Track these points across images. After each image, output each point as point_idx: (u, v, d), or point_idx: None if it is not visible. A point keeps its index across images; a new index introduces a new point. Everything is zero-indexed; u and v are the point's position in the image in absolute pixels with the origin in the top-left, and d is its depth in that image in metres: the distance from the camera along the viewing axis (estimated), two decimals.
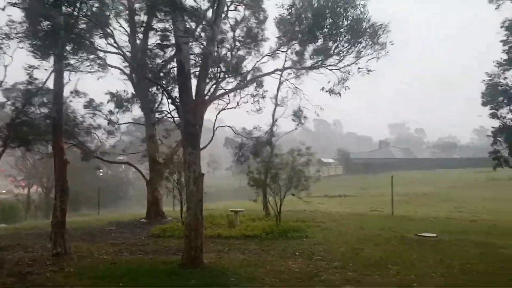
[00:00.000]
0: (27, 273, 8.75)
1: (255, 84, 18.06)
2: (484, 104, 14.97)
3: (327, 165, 73.52)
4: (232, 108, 18.61)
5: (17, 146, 16.62)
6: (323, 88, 16.74)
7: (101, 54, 17.03)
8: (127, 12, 17.07)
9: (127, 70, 18.48)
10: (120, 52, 17.58)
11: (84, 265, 9.55)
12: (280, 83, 18.08)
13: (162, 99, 17.51)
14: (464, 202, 23.81)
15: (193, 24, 9.39)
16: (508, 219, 16.55)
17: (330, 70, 16.44)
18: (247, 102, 18.37)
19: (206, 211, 17.92)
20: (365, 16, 14.84)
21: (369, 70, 15.82)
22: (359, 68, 15.93)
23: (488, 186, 33.99)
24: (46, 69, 13.64)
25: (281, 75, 17.86)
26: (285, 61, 17.53)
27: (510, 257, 9.82)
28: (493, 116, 14.28)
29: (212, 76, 14.06)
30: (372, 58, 15.59)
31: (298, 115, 18.06)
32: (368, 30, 15.06)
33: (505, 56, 14.08)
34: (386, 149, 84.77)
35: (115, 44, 17.12)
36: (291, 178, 14.36)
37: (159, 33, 12.60)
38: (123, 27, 17.73)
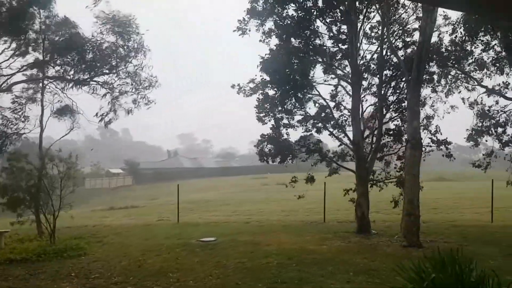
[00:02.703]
0: None
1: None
2: (257, 118, 16.83)
3: (116, 176, 70.78)
4: None
5: None
6: (96, 114, 17.39)
7: None
8: None
9: None
10: None
11: None
12: (43, 87, 17.16)
13: None
14: (241, 206, 26.48)
15: None
16: (274, 219, 19.24)
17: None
18: None
19: None
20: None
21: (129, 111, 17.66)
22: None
23: (261, 190, 38.94)
24: None
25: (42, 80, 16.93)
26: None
27: (272, 252, 11.29)
28: (260, 121, 16.18)
29: None
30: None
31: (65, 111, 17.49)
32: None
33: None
34: (176, 159, 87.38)
35: None
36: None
37: None
38: None
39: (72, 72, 16.62)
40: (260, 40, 15.43)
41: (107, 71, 16.70)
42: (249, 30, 15.18)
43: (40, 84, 17.11)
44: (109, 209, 29.97)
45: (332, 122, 15.73)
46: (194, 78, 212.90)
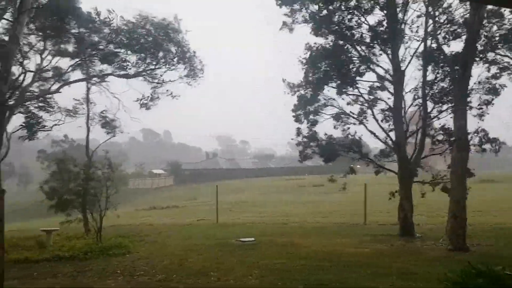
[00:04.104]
0: None
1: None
2: (294, 117, 16.80)
3: (157, 176, 72.69)
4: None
5: None
6: (137, 99, 17.27)
7: None
8: None
9: None
10: None
11: None
12: (89, 89, 17.54)
13: None
14: (278, 207, 26.44)
15: None
16: (312, 221, 19.09)
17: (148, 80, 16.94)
18: None
19: (10, 232, 15.59)
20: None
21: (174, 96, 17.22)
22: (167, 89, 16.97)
23: (298, 191, 38.73)
24: None
25: (87, 81, 17.17)
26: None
27: (310, 254, 11.23)
28: (297, 121, 16.09)
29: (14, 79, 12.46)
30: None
31: (107, 122, 17.65)
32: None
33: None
34: (214, 160, 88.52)
35: None
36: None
37: None
38: None
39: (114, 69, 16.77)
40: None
41: (153, 67, 16.71)
42: (295, 21, 15.03)
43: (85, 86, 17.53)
44: (151, 208, 30.80)
45: (372, 121, 15.37)
46: (232, 79, 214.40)
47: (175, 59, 16.31)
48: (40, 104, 16.00)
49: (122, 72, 16.32)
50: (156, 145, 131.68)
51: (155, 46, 15.79)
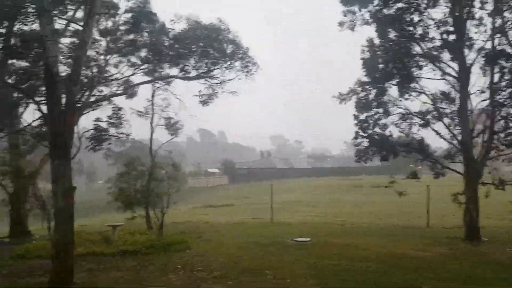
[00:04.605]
0: None
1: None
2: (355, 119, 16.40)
3: (213, 175, 74.32)
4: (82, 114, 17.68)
5: None
6: (197, 95, 17.37)
7: None
8: None
9: None
10: None
11: None
12: (154, 92, 18.06)
13: (27, 106, 15.79)
14: (334, 207, 25.98)
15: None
16: (370, 222, 18.56)
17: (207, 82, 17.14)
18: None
19: (79, 227, 16.62)
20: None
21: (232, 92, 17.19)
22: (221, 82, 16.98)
23: (355, 192, 37.85)
24: None
25: (152, 83, 17.72)
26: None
27: (369, 256, 10.93)
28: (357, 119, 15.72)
29: (85, 82, 13.21)
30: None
31: (170, 124, 18.13)
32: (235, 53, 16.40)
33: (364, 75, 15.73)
34: (268, 159, 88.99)
35: None
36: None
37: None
38: None
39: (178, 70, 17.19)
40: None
41: (213, 67, 16.89)
42: (352, 21, 14.79)
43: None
44: (207, 206, 31.48)
45: (437, 120, 14.63)
46: (284, 78, 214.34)
47: (230, 57, 16.49)
48: (109, 106, 16.90)
49: (184, 75, 16.78)
50: (212, 145, 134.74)
51: (212, 47, 16.10)
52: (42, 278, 9.09)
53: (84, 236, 14.47)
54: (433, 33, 14.19)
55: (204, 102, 17.42)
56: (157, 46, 15.71)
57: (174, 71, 17.00)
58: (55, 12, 7.71)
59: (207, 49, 16.11)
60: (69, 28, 11.64)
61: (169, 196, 13.95)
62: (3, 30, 10.93)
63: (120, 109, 16.68)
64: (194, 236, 14.76)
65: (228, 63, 16.65)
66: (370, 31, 15.14)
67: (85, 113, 15.54)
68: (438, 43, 14.25)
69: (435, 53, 14.35)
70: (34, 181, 14.00)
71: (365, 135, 15.10)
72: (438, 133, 14.54)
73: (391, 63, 14.21)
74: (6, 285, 8.82)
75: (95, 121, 15.77)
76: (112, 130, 16.36)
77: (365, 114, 15.08)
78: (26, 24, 9.17)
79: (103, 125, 16.05)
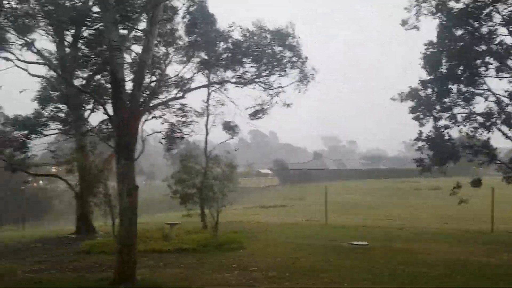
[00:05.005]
0: None
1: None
2: (414, 118, 15.81)
3: (264, 175, 74.65)
4: (156, 117, 18.48)
5: None
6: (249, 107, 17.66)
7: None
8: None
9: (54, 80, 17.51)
10: (45, 61, 16.55)
11: (6, 285, 8.79)
12: (209, 94, 18.50)
13: (92, 109, 16.81)
14: (391, 211, 25.22)
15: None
16: (431, 226, 17.78)
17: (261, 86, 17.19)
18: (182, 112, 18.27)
19: (140, 225, 17.35)
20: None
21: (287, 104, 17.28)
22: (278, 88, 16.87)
23: (413, 195, 36.43)
24: None
25: (208, 87, 18.11)
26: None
27: (431, 261, 10.49)
28: (417, 120, 15.09)
29: (147, 85, 13.78)
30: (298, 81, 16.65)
31: (230, 126, 18.42)
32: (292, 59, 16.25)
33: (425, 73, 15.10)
34: (320, 160, 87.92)
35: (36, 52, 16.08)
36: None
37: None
38: (50, 35, 16.78)
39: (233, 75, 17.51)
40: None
41: (267, 73, 17.05)
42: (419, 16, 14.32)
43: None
44: (260, 207, 31.72)
45: (503, 121, 13.73)
46: (337, 77, 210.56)
47: (288, 65, 16.51)
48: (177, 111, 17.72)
49: (239, 79, 17.07)
50: (263, 146, 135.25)
51: (271, 54, 16.15)
52: (107, 273, 9.59)
53: (144, 234, 15.11)
54: (501, 29, 13.36)
55: (261, 112, 17.58)
56: (215, 50, 16.04)
57: (230, 74, 17.32)
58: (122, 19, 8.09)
59: (267, 55, 16.17)
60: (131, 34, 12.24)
61: (224, 196, 14.22)
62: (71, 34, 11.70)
63: (188, 110, 17.42)
64: (248, 236, 14.90)
65: (286, 70, 16.65)
66: (428, 29, 14.41)
67: (149, 119, 16.37)
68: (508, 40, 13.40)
69: (502, 51, 13.49)
70: (99, 180, 14.80)
71: (425, 138, 14.49)
72: (504, 134, 13.66)
73: (455, 60, 13.50)
74: (74, 279, 9.38)
75: (166, 122, 16.54)
76: (184, 130, 17.14)
77: (426, 115, 14.49)
78: (93, 30, 9.74)
79: (175, 126, 16.85)
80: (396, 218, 21.14)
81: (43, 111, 17.58)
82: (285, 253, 11.66)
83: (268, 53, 16.10)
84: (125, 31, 10.14)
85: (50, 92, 17.85)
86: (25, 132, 17.02)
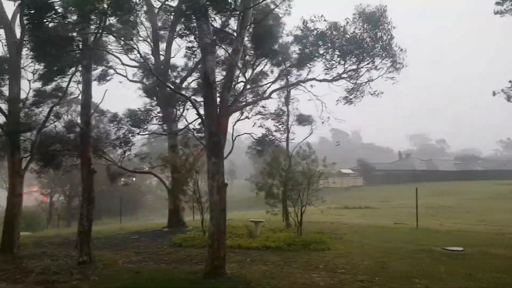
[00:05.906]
0: (53, 281, 8.88)
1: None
2: None
3: (346, 176, 72.92)
4: (245, 118, 18.89)
5: (43, 163, 16.92)
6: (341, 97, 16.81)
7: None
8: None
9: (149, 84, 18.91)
10: (145, 65, 17.83)
11: (109, 274, 9.65)
12: (289, 93, 18.67)
13: (183, 110, 17.78)
14: (488, 215, 23.13)
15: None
16: None
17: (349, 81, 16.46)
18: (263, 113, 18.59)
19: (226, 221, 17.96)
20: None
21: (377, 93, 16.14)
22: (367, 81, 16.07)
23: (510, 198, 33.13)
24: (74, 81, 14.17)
25: (295, 86, 18.00)
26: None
27: None
28: None
29: (234, 86, 14.18)
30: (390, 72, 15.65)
31: (304, 118, 18.58)
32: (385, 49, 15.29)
33: None
34: (407, 160, 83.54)
35: (139, 59, 17.38)
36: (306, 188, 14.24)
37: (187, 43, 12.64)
38: (147, 41, 18.15)
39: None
40: None
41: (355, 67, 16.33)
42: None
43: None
44: (344, 207, 31.00)
45: None
46: (423, 74, 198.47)
47: (380, 53, 15.45)
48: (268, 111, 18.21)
49: (325, 77, 16.68)
50: (345, 145, 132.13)
51: (360, 47, 15.32)
52: (198, 266, 10.07)
53: (230, 230, 15.57)
54: None
55: (349, 101, 16.76)
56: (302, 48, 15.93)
57: (313, 72, 17.04)
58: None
59: (356, 46, 15.40)
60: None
61: (307, 195, 14.14)
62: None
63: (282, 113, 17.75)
64: (333, 237, 14.63)
65: (378, 62, 15.68)
66: None
67: (241, 119, 16.88)
68: None
69: None
70: (190, 177, 15.59)
71: None
72: None
73: None
74: (169, 270, 9.98)
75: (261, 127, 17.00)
76: (277, 135, 17.57)
77: None
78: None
79: (268, 129, 17.33)
80: (493, 223, 19.33)
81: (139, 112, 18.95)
82: (373, 256, 11.25)
83: (358, 42, 15.14)
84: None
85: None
86: (133, 126, 18.46)
